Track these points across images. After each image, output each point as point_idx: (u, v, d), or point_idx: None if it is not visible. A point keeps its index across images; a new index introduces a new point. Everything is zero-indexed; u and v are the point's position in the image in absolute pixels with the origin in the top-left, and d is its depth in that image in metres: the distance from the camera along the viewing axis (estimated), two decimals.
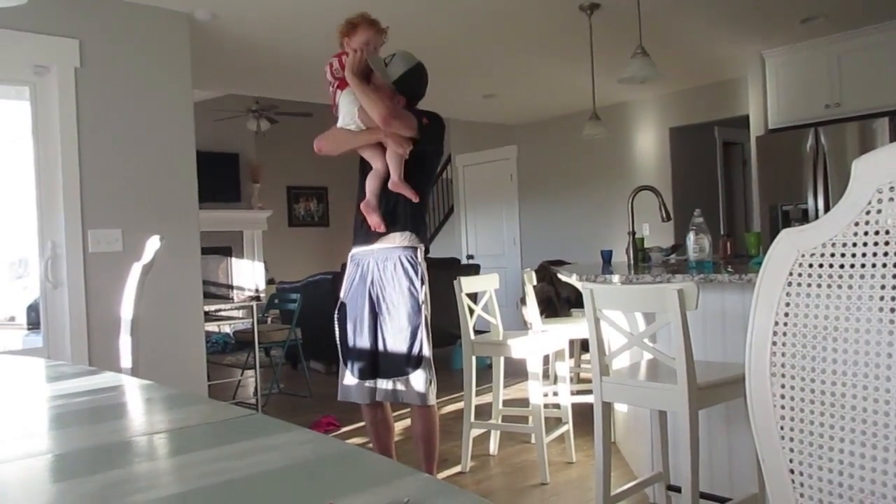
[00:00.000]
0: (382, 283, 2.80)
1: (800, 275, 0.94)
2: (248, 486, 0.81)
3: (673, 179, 7.11)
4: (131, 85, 3.97)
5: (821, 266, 0.92)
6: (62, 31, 3.73)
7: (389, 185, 2.75)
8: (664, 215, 3.67)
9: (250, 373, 5.49)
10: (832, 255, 0.91)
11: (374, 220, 2.77)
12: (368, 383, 2.88)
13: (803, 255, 0.94)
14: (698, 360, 2.16)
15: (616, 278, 2.73)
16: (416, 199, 2.75)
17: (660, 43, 4.70)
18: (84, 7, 3.81)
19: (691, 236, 3.11)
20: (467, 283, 3.59)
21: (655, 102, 7.30)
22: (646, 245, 4.54)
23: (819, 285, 0.92)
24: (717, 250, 3.93)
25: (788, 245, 0.95)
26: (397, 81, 2.78)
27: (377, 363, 2.84)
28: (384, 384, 2.85)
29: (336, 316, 2.94)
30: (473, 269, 7.03)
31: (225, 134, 8.90)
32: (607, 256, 4.35)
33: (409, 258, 2.81)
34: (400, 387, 2.81)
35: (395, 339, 2.79)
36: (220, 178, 9.02)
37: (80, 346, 3.71)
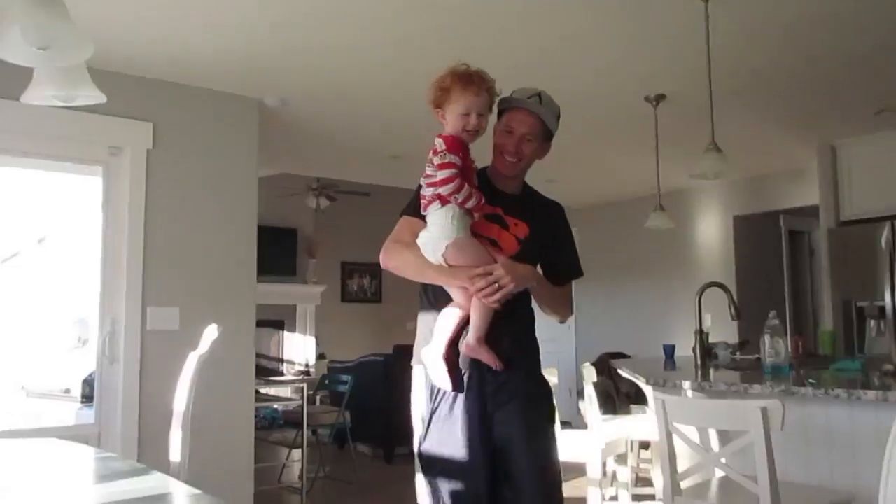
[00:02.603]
0: (515, 420, 1.99)
1: None
2: None
3: (737, 268, 6.89)
4: (199, 166, 4.06)
5: None
6: (138, 114, 3.86)
7: (464, 349, 1.97)
8: (734, 314, 3.51)
9: (296, 453, 5.38)
10: None
11: (491, 360, 1.96)
12: None
13: None
14: (780, 482, 1.98)
15: (687, 385, 2.57)
16: (498, 367, 1.96)
17: (725, 131, 4.60)
18: (160, 91, 3.95)
19: (766, 339, 2.94)
20: None
21: (719, 190, 7.15)
22: (710, 339, 4.34)
23: None
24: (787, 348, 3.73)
25: None
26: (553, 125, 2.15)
27: None
28: None
29: (420, 458, 2.06)
30: None
31: (284, 209, 9.07)
32: (669, 352, 4.17)
33: (544, 381, 2.14)
34: None
35: (534, 496, 1.99)
36: (277, 252, 9.13)
37: (131, 426, 3.68)
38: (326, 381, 5.88)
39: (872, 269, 5.08)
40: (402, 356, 6.35)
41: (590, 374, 3.79)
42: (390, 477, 5.68)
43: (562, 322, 2.27)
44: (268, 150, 5.05)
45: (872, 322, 5.08)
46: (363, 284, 10.43)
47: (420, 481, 2.03)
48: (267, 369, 9.02)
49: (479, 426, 1.96)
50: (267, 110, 4.43)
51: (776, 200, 6.73)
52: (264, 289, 8.00)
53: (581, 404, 4.39)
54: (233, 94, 4.19)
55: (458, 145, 1.95)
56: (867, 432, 2.36)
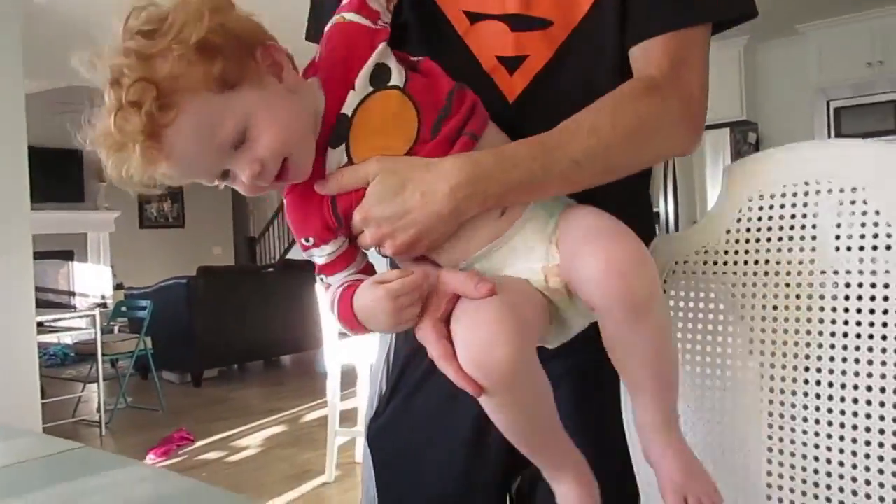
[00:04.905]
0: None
1: (675, 283, 0.93)
2: None
3: None
4: None
5: (694, 273, 0.91)
6: None
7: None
8: None
9: (94, 386, 5.06)
10: (705, 262, 0.91)
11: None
12: None
13: (677, 263, 0.93)
14: None
15: None
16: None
17: None
18: None
19: None
20: None
21: None
22: None
23: (693, 292, 0.91)
24: None
25: (664, 252, 0.93)
26: None
27: None
28: None
29: (371, 443, 1.02)
30: None
31: (66, 129, 8.21)
32: None
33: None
34: None
35: None
36: (59, 177, 8.28)
37: None
38: (123, 308, 5.53)
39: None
40: (208, 277, 6.07)
41: None
42: (201, 401, 5.54)
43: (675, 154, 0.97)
44: (38, 57, 4.48)
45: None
46: (163, 209, 9.81)
47: (368, 469, 1.04)
48: (55, 304, 8.31)
49: (476, 425, 0.88)
50: (34, 8, 3.91)
51: None
52: (44, 217, 7.29)
53: None
54: None
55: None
56: None
